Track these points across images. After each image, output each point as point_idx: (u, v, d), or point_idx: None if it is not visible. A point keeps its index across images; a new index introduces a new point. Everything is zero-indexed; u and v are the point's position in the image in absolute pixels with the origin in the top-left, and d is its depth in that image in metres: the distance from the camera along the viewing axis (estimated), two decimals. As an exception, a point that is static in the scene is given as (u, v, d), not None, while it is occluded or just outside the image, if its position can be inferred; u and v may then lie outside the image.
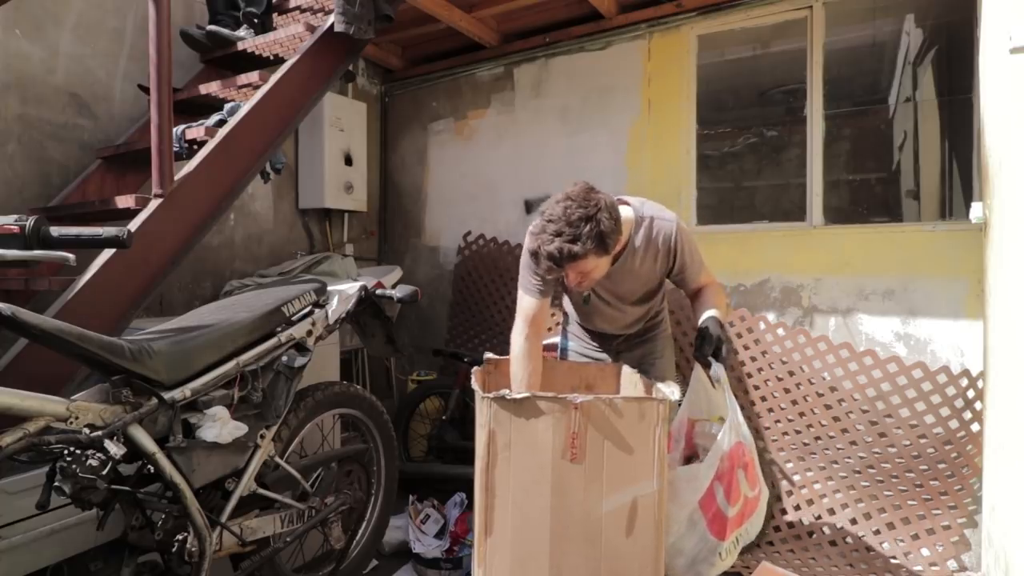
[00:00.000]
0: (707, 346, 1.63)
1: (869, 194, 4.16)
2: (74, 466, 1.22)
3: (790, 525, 2.55)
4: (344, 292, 2.01)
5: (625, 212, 1.74)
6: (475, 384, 1.57)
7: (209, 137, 2.22)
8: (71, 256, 1.17)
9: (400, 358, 3.90)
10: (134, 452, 1.33)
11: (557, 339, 2.46)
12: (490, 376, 1.89)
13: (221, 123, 2.26)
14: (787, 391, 2.68)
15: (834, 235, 2.84)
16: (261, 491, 1.69)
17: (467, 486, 1.95)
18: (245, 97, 2.52)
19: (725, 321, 1.82)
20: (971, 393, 2.39)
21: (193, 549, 1.46)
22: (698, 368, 1.76)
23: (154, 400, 1.37)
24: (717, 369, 1.61)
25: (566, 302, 2.13)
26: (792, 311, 2.88)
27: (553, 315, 3.40)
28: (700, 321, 1.72)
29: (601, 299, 1.90)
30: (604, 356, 2.09)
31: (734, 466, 1.60)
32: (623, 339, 2.07)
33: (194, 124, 2.36)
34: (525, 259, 1.82)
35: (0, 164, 2.40)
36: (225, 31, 2.75)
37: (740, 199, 4.19)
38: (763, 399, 2.71)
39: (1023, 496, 1.66)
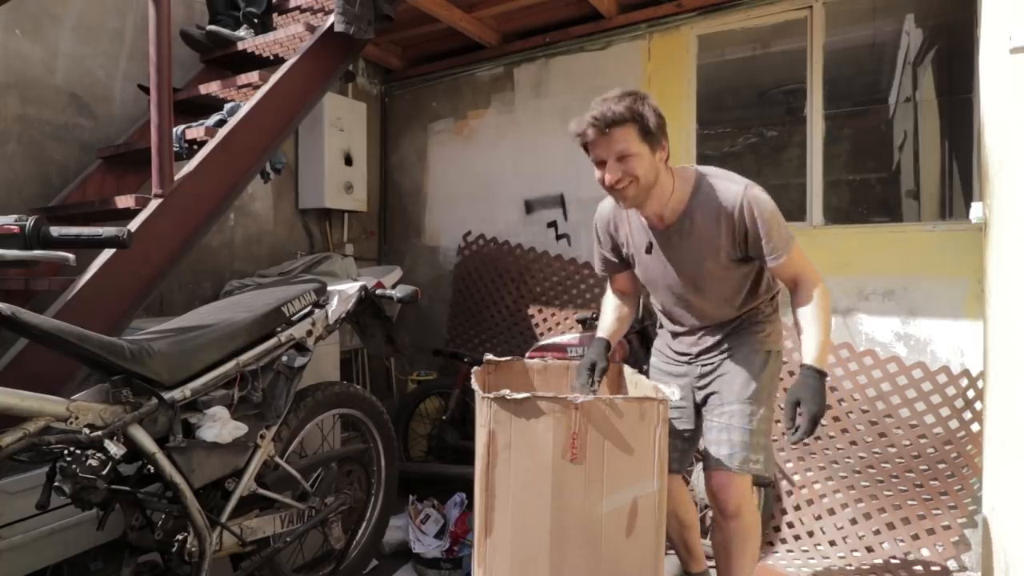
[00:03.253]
0: (786, 419, 1.54)
1: (869, 194, 4.16)
2: (74, 466, 1.22)
3: (790, 525, 2.55)
4: (344, 292, 2.01)
5: (685, 172, 1.66)
6: (475, 384, 1.57)
7: (209, 137, 2.22)
8: (71, 256, 1.17)
9: (400, 358, 3.90)
10: (134, 452, 1.33)
11: (565, 339, 2.46)
12: (490, 376, 1.89)
13: (221, 123, 2.27)
14: (787, 391, 2.67)
15: (834, 235, 2.84)
16: (261, 491, 1.69)
17: (467, 486, 1.94)
18: (245, 97, 2.52)
19: (824, 359, 1.58)
20: (971, 393, 2.39)
21: (193, 549, 1.46)
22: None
23: (154, 400, 1.37)
24: (792, 436, 1.53)
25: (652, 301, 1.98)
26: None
27: (563, 319, 3.40)
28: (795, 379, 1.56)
29: (661, 263, 1.74)
30: (684, 371, 1.84)
31: None
32: (704, 349, 1.82)
33: (194, 124, 2.36)
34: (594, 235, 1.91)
35: (0, 164, 2.40)
36: (225, 31, 2.75)
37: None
38: (763, 399, 2.70)
39: (1023, 496, 1.66)
